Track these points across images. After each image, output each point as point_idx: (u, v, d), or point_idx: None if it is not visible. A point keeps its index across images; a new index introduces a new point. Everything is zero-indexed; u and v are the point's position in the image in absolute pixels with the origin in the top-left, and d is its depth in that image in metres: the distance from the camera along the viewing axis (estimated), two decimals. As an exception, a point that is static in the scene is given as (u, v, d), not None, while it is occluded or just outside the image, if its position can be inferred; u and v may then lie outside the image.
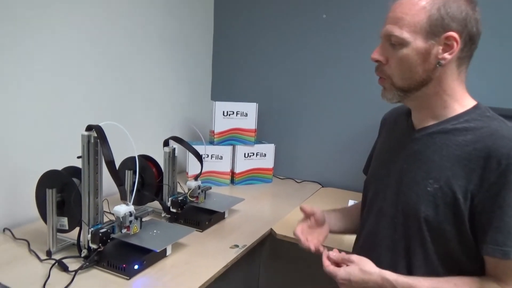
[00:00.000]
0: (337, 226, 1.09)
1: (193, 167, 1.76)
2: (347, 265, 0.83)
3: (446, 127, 0.82)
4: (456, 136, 0.80)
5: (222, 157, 1.83)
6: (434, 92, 0.82)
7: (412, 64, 0.79)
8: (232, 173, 1.88)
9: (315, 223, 1.04)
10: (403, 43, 0.78)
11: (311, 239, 0.98)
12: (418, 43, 0.78)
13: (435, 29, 0.76)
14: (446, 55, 0.77)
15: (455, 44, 0.76)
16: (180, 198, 1.35)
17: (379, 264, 0.83)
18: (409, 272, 0.82)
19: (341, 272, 0.82)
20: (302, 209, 1.05)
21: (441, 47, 0.77)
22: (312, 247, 0.95)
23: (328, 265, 0.85)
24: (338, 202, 1.65)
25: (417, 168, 0.83)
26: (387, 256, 0.86)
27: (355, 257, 0.84)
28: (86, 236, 1.03)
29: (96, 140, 1.02)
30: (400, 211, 0.85)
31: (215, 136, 1.83)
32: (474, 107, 0.83)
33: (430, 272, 0.80)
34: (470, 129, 0.79)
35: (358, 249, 0.98)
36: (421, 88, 0.81)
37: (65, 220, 1.10)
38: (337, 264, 0.85)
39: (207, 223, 1.33)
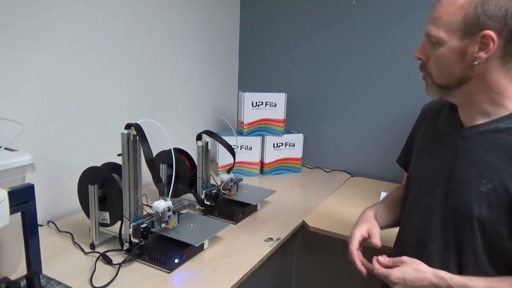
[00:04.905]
0: (384, 222, 1.06)
1: (223, 157, 1.78)
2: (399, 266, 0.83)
3: (499, 126, 0.80)
4: (511, 136, 0.78)
5: (251, 147, 1.85)
6: (477, 90, 0.81)
7: (449, 63, 0.80)
8: (262, 163, 1.89)
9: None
10: (440, 42, 0.80)
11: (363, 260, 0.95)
12: (454, 42, 0.78)
13: (471, 28, 0.76)
14: (482, 54, 0.77)
15: (491, 43, 0.75)
16: (214, 191, 1.37)
17: (431, 262, 0.83)
18: (460, 270, 0.82)
19: (395, 272, 0.82)
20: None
21: (477, 46, 0.76)
22: (364, 271, 0.93)
23: (378, 267, 0.85)
24: (368, 192, 1.65)
25: (469, 167, 0.82)
26: (439, 254, 0.85)
27: (406, 258, 0.84)
28: (128, 231, 1.07)
29: (135, 137, 1.04)
30: (451, 210, 0.84)
31: (244, 127, 1.84)
32: None
33: (480, 271, 0.80)
34: None
35: (404, 245, 0.96)
36: (461, 86, 0.82)
37: (106, 215, 1.14)
38: (387, 267, 0.85)
39: (240, 215, 1.35)
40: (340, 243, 1.30)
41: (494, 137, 0.80)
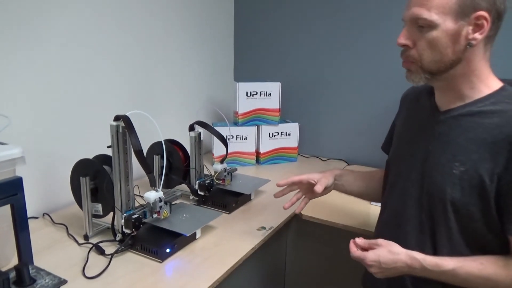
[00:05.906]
0: (349, 186, 1.12)
1: (219, 148, 1.78)
2: (374, 249, 0.85)
3: (472, 110, 0.81)
4: (483, 119, 0.79)
5: (246, 137, 1.85)
6: (461, 73, 0.81)
7: (442, 46, 0.78)
8: (257, 153, 1.89)
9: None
10: (432, 26, 0.77)
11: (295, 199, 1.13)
12: (448, 24, 0.76)
13: (465, 9, 0.75)
14: (477, 35, 0.76)
15: (485, 23, 0.75)
16: (207, 181, 1.38)
17: (406, 243, 0.85)
18: (435, 251, 0.84)
19: (370, 255, 0.84)
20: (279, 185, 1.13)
21: (471, 27, 0.76)
22: (286, 205, 1.10)
23: (355, 251, 0.87)
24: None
25: (442, 151, 0.83)
26: (414, 235, 0.87)
27: (381, 240, 0.86)
28: (120, 222, 1.08)
29: (125, 129, 1.05)
30: (425, 192, 0.85)
31: (239, 117, 1.84)
32: (501, 89, 0.82)
33: (454, 252, 0.81)
34: (496, 111, 0.79)
35: (383, 227, 0.99)
36: (450, 70, 0.80)
37: (99, 206, 1.15)
38: (364, 249, 0.87)
39: (234, 205, 1.36)
40: (334, 232, 1.31)
41: (467, 121, 0.81)
